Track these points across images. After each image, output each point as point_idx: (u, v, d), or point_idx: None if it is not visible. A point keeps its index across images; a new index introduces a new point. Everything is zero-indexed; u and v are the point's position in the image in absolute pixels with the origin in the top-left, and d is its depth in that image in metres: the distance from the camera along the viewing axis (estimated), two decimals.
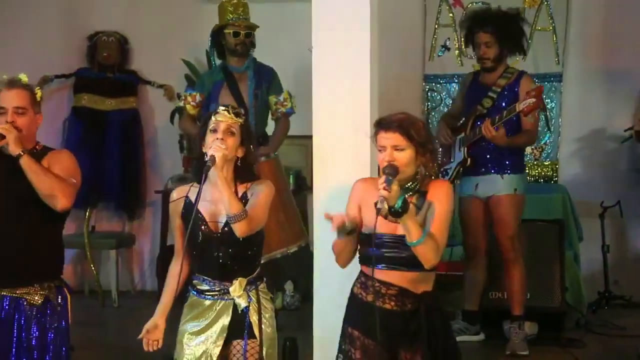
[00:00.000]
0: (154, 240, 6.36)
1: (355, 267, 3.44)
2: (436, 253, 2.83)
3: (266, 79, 5.16)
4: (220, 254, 3.05)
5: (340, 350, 3.04)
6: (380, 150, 2.91)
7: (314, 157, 4.22)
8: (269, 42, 5.48)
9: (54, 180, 3.18)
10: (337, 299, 3.97)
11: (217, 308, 3.09)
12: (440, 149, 4.97)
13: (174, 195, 3.16)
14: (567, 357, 4.61)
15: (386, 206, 2.72)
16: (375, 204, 2.73)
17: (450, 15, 6.18)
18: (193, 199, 3.04)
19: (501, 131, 4.53)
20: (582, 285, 5.36)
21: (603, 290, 5.75)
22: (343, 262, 3.08)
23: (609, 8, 6.02)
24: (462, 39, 4.98)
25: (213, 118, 3.06)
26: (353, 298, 3.03)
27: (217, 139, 3.00)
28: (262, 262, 4.72)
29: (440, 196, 2.88)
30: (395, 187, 2.73)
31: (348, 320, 3.02)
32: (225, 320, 3.07)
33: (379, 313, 2.85)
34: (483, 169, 4.71)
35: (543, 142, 6.07)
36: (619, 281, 5.90)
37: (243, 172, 3.11)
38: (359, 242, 2.97)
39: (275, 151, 5.06)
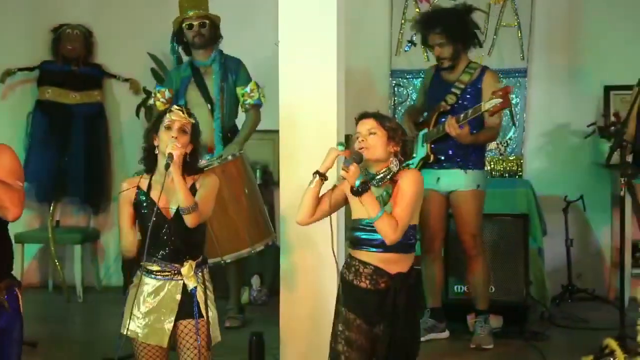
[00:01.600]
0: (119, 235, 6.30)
1: (321, 261, 3.46)
2: (394, 230, 3.10)
3: (232, 70, 5.14)
4: (172, 238, 3.30)
5: (335, 331, 3.24)
6: (357, 138, 3.21)
7: (280, 151, 4.23)
8: (235, 35, 5.46)
9: (1, 191, 3.03)
10: (303, 293, 3.99)
11: (168, 287, 3.32)
12: None
13: (125, 185, 3.44)
14: (530, 350, 4.65)
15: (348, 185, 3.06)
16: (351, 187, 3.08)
17: (417, 10, 6.19)
18: (144, 188, 3.38)
19: (465, 129, 4.55)
20: (546, 279, 5.41)
21: (566, 284, 5.82)
22: (304, 215, 3.32)
23: (573, 4, 6.09)
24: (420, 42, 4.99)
25: (168, 115, 3.36)
26: (341, 279, 3.29)
27: (173, 137, 3.31)
28: (228, 261, 4.77)
29: (408, 180, 3.18)
30: (353, 167, 3.06)
31: (339, 299, 3.27)
32: (176, 299, 3.30)
33: (356, 290, 3.17)
34: (446, 164, 4.73)
35: (508, 137, 6.11)
36: (582, 275, 5.97)
37: (191, 166, 3.39)
38: (350, 228, 3.24)
39: (243, 145, 5.05)
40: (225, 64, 5.14)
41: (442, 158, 4.72)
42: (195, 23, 5.09)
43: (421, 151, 4.81)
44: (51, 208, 6.11)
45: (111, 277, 6.42)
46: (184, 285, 3.31)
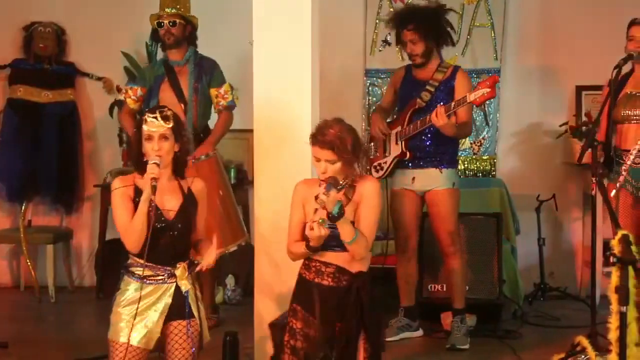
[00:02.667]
0: (93, 235, 6.27)
1: (292, 262, 3.46)
2: (366, 248, 3.26)
3: (207, 71, 5.12)
4: (172, 238, 3.30)
5: (286, 324, 3.36)
6: (316, 160, 3.29)
7: (254, 151, 4.22)
8: (210, 34, 5.45)
9: None
10: (277, 293, 3.99)
11: (160, 291, 3.31)
12: (372, 143, 4.98)
13: (119, 183, 3.34)
14: (504, 348, 4.68)
15: (325, 211, 3.14)
16: (316, 198, 3.15)
17: (391, 9, 6.19)
18: (141, 187, 3.27)
19: (453, 119, 4.57)
20: (519, 277, 5.45)
21: (539, 282, 5.88)
22: (296, 257, 3.41)
23: (545, 5, 6.14)
24: (394, 39, 5.01)
25: (145, 127, 3.29)
26: (298, 278, 3.38)
27: (154, 149, 3.26)
28: (201, 261, 4.75)
29: (370, 194, 3.29)
30: (333, 194, 3.14)
31: (293, 297, 3.37)
32: (167, 302, 3.30)
33: (318, 289, 3.25)
34: (421, 162, 4.75)
35: (481, 136, 6.15)
36: (554, 273, 6.03)
37: (180, 163, 3.39)
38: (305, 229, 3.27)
39: (215, 145, 5.03)
40: (200, 65, 5.12)
41: (418, 155, 4.74)
42: (165, 21, 5.07)
43: (395, 149, 4.82)
44: (23, 208, 6.06)
45: (84, 277, 6.37)
46: (176, 288, 3.31)
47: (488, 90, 4.42)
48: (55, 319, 5.65)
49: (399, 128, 4.81)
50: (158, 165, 3.25)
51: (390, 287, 5.41)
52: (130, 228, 3.26)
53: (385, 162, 4.86)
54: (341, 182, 3.23)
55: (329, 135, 3.26)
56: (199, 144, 5.03)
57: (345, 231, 3.19)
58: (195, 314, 3.34)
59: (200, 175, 4.66)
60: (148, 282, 3.30)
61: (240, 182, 5.98)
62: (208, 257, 3.31)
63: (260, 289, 4.19)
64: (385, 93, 5.24)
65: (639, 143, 4.34)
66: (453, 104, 4.56)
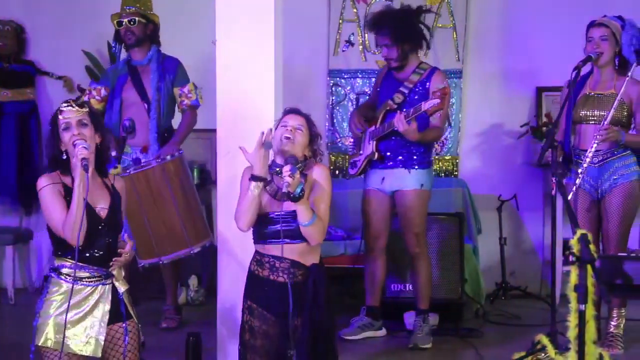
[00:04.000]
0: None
1: None
2: (323, 232, 3.29)
3: (170, 70, 5.09)
4: (108, 239, 3.21)
5: (242, 322, 3.37)
6: (282, 126, 3.33)
7: (217, 150, 4.20)
8: (173, 33, 5.41)
9: None
10: (240, 294, 3.97)
11: (98, 293, 3.20)
12: (353, 140, 5.02)
13: (46, 180, 3.19)
14: (465, 346, 4.72)
15: (288, 191, 3.13)
16: (271, 185, 3.22)
17: (354, 10, 6.23)
18: (69, 185, 3.14)
19: (413, 125, 4.57)
20: (481, 276, 5.50)
21: (500, 281, 5.93)
22: (245, 222, 3.32)
23: (506, 7, 6.20)
24: (368, 39, 5.02)
25: (61, 117, 3.16)
26: (249, 275, 3.38)
27: (75, 135, 3.12)
28: (166, 262, 4.73)
29: (322, 180, 3.33)
30: (297, 175, 3.16)
31: (246, 294, 3.38)
32: (106, 304, 3.20)
33: (273, 286, 3.26)
34: (390, 163, 4.76)
35: (444, 137, 6.18)
36: (515, 272, 6.09)
37: (102, 157, 3.25)
38: (256, 221, 3.31)
39: (179, 146, 5.00)
40: (163, 64, 5.09)
41: (388, 155, 4.76)
42: (125, 20, 5.03)
43: (367, 148, 4.84)
44: None
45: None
46: (113, 289, 3.22)
47: (438, 101, 4.46)
48: (14, 321, 5.57)
49: (373, 127, 4.83)
50: (86, 148, 3.09)
51: (352, 287, 5.43)
52: (70, 219, 3.09)
53: (359, 160, 4.88)
54: (299, 163, 3.27)
55: (302, 110, 3.40)
56: (163, 143, 5.00)
57: (303, 212, 3.20)
58: (133, 314, 3.27)
59: (166, 175, 4.66)
60: (82, 284, 3.17)
61: (203, 182, 5.95)
62: (125, 256, 3.21)
63: (223, 290, 4.17)
64: (372, 91, 5.27)
65: (595, 143, 4.40)
66: (411, 111, 4.58)
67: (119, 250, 3.25)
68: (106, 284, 3.21)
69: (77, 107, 3.17)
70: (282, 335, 3.25)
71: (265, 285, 3.29)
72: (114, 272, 3.21)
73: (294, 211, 3.25)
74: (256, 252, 3.38)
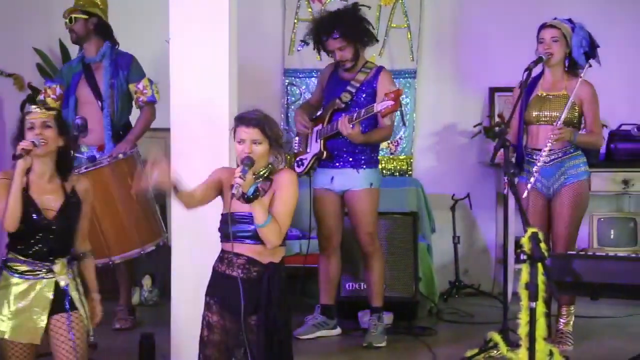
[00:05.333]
0: (1, 238, 6.08)
1: (212, 261, 3.44)
2: (278, 235, 3.26)
3: (124, 66, 5.04)
4: (51, 237, 3.38)
5: (202, 318, 3.38)
6: (239, 143, 3.29)
7: (171, 150, 4.17)
8: (127, 31, 5.35)
9: None
10: (194, 294, 3.95)
11: (40, 287, 3.38)
12: (298, 138, 5.01)
13: (2, 174, 3.43)
14: (419, 344, 4.76)
15: (240, 191, 3.14)
16: (232, 187, 3.16)
17: (309, 10, 6.23)
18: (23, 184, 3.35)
19: (357, 129, 4.60)
20: (435, 275, 5.53)
21: (454, 280, 5.98)
22: (188, 207, 3.37)
23: (460, 8, 6.25)
24: (314, 47, 5.00)
25: (27, 118, 3.40)
26: (213, 272, 3.39)
27: (37, 134, 3.34)
28: (117, 262, 4.70)
29: (285, 183, 3.31)
30: (249, 176, 3.16)
31: (208, 291, 3.38)
32: (48, 297, 3.37)
33: (229, 281, 3.27)
34: (339, 163, 4.78)
35: (398, 136, 6.22)
36: (469, 270, 6.15)
37: (64, 161, 3.47)
38: (221, 220, 3.32)
39: (134, 143, 4.96)
40: (116, 60, 5.03)
41: (335, 153, 4.77)
42: (66, 19, 4.98)
43: (315, 147, 4.84)
44: None
45: None
46: (56, 283, 3.39)
47: (392, 103, 4.48)
48: None
49: (320, 126, 4.83)
50: (35, 144, 3.30)
51: (309, 286, 5.44)
52: (7, 206, 3.29)
53: (306, 159, 4.88)
54: (261, 170, 3.26)
55: (255, 114, 3.31)
56: (118, 141, 4.95)
57: (258, 213, 3.19)
58: (80, 308, 3.42)
59: (118, 173, 4.61)
60: (26, 277, 3.36)
61: None
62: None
63: (178, 290, 4.14)
64: (315, 89, 5.26)
65: (550, 143, 4.47)
66: (359, 112, 4.59)
67: (73, 253, 3.47)
68: (48, 278, 3.38)
69: (43, 110, 3.42)
70: (239, 331, 3.25)
71: (222, 280, 3.30)
72: (55, 268, 3.38)
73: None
74: (222, 249, 3.39)
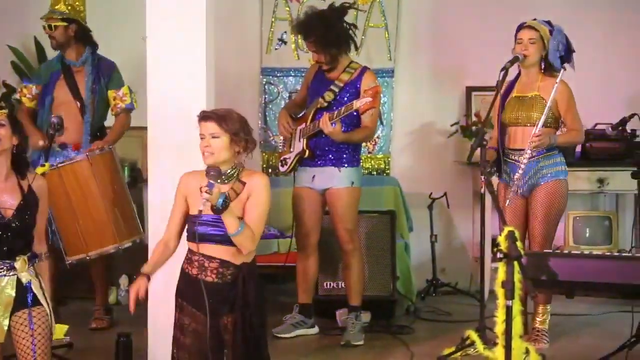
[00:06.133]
0: None
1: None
2: (252, 241, 3.26)
3: (105, 73, 5.04)
4: (8, 234, 3.38)
5: (174, 320, 3.39)
6: (201, 139, 3.30)
7: (148, 149, 4.16)
8: (106, 30, 5.33)
9: None
10: (172, 293, 3.93)
11: (1, 284, 3.39)
12: (282, 139, 5.02)
13: None
14: (397, 343, 4.77)
15: (209, 205, 3.14)
16: (201, 192, 3.15)
17: (287, 9, 6.23)
18: None
19: (337, 127, 4.61)
20: (412, 273, 5.55)
21: (431, 278, 6.01)
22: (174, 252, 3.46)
23: (437, 7, 6.27)
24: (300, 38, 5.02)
25: None
26: (181, 273, 3.39)
27: None
28: (93, 257, 4.67)
29: (259, 188, 3.30)
30: (216, 189, 3.14)
31: (178, 292, 3.39)
32: (11, 294, 3.38)
33: (203, 285, 3.23)
34: (320, 162, 4.78)
35: (376, 135, 6.22)
36: (446, 269, 6.18)
37: (20, 159, 3.48)
38: (189, 220, 3.35)
39: (110, 145, 4.94)
40: (98, 66, 5.02)
41: (318, 153, 4.77)
42: (45, 25, 4.94)
43: (298, 146, 4.84)
44: None
45: None
46: (18, 280, 3.39)
47: (370, 99, 4.49)
48: None
49: (304, 125, 4.84)
50: None
51: (286, 285, 5.44)
52: None
53: (289, 158, 4.88)
54: (228, 172, 3.27)
55: (215, 110, 3.35)
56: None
57: (229, 223, 3.19)
58: (43, 302, 3.42)
59: (95, 168, 4.59)
60: None
61: (134, 181, 5.87)
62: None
63: (154, 290, 4.11)
64: (300, 88, 5.26)
65: (529, 150, 4.46)
66: (339, 110, 4.60)
67: (34, 250, 3.50)
68: (9, 276, 3.39)
69: None
70: (212, 333, 3.24)
71: (194, 283, 3.27)
72: (16, 265, 3.39)
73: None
74: (188, 249, 3.37)
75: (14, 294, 3.39)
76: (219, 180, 3.19)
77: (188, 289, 3.32)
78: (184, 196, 3.35)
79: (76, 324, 4.60)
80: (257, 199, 3.29)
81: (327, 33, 4.71)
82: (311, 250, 4.88)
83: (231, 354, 3.26)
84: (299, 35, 4.85)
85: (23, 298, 3.39)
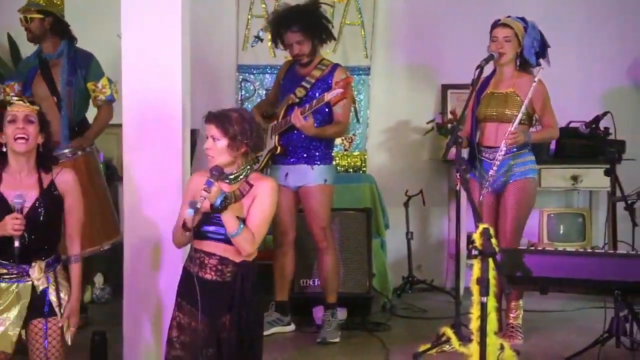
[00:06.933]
0: None
1: (165, 259, 3.42)
2: (252, 244, 3.26)
3: (82, 65, 4.99)
4: (25, 235, 3.19)
5: (172, 318, 3.36)
6: (206, 138, 3.31)
7: (123, 146, 4.13)
8: (84, 27, 5.28)
9: None
10: (147, 291, 3.93)
11: (16, 290, 3.25)
12: None
13: None
14: (373, 340, 4.78)
15: (206, 203, 3.16)
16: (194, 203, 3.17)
17: (263, 6, 6.23)
18: None
19: (310, 121, 4.61)
20: (388, 271, 5.58)
21: (407, 275, 6.03)
22: (177, 243, 3.42)
23: (413, 5, 6.29)
24: (271, 39, 5.00)
25: (9, 108, 3.25)
26: (183, 272, 3.38)
27: (18, 128, 3.22)
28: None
29: (266, 192, 3.32)
30: (215, 188, 3.15)
31: (178, 291, 3.37)
32: (25, 301, 3.24)
33: (201, 283, 3.22)
34: (293, 159, 4.79)
35: (352, 133, 6.25)
36: (422, 266, 6.21)
37: (45, 158, 3.36)
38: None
39: (92, 140, 4.91)
40: (75, 58, 4.98)
41: (290, 149, 4.77)
42: (22, 17, 4.90)
43: (270, 143, 4.84)
44: None
45: None
46: (33, 287, 3.26)
47: (341, 90, 4.50)
48: None
49: (275, 122, 4.84)
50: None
51: (261, 283, 5.42)
52: None
53: (261, 155, 4.88)
54: (234, 173, 3.27)
55: (220, 111, 3.32)
56: (73, 139, 4.89)
57: (228, 223, 3.20)
58: (58, 314, 3.29)
59: (76, 170, 4.55)
60: (2, 280, 3.24)
61: (110, 178, 5.82)
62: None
63: (130, 288, 4.10)
64: (272, 86, 5.26)
65: (504, 148, 4.49)
66: (311, 104, 4.60)
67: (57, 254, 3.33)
68: (25, 282, 3.26)
69: (27, 104, 3.30)
70: (211, 332, 3.24)
71: (193, 281, 3.25)
72: (32, 273, 3.24)
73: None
74: (191, 248, 3.36)
75: (27, 302, 3.26)
76: (219, 180, 3.20)
77: (187, 286, 3.30)
78: (192, 194, 3.33)
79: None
80: (261, 202, 3.30)
81: (313, 21, 4.74)
82: (288, 248, 4.88)
83: (226, 352, 3.26)
84: (281, 28, 4.79)
85: (39, 306, 3.27)
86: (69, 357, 4.14)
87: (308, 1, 4.92)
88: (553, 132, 4.78)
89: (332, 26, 4.98)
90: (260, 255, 5.09)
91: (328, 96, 4.54)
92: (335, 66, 4.84)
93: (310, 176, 4.76)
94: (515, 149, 4.57)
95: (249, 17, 6.25)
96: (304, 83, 4.78)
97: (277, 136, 4.79)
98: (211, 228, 3.27)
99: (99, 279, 5.70)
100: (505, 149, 4.49)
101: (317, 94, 4.74)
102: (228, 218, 3.20)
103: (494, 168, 4.51)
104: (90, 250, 4.61)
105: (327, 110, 4.70)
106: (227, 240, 3.26)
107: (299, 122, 4.58)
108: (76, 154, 4.60)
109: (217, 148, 3.26)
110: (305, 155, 4.76)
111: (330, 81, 4.76)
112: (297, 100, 4.76)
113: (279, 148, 4.77)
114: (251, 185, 3.31)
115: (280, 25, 4.81)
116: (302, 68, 4.83)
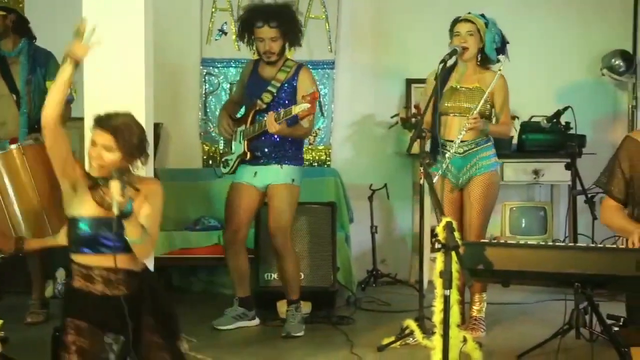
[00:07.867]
0: None
1: None
2: (153, 247, 3.28)
3: (42, 63, 4.95)
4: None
5: (65, 344, 3.15)
6: (92, 144, 3.22)
7: (85, 140, 4.09)
8: (44, 22, 5.22)
9: None
10: None
11: None
12: (222, 139, 5.01)
13: None
14: (337, 333, 4.79)
15: (116, 210, 3.06)
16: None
17: (229, 0, 6.21)
18: None
19: (283, 125, 4.60)
20: (353, 264, 5.60)
21: (371, 269, 6.06)
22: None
23: (378, 0, 6.32)
24: (237, 33, 4.97)
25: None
26: (72, 293, 3.23)
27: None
28: (36, 249, 4.56)
29: (155, 194, 3.28)
30: (126, 193, 3.06)
31: (71, 312, 3.17)
32: None
33: (110, 302, 3.14)
34: (263, 160, 4.78)
35: (317, 127, 6.25)
36: (386, 260, 6.24)
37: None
38: (71, 226, 3.29)
39: None
40: (34, 57, 4.92)
41: (259, 155, 4.77)
42: None
43: (239, 148, 4.82)
44: None
45: None
46: None
47: (308, 106, 4.49)
48: None
49: (244, 127, 4.82)
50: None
51: (226, 278, 5.41)
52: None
53: (231, 159, 4.86)
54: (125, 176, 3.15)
55: (116, 121, 3.20)
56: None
57: (133, 229, 3.12)
58: None
59: (30, 159, 4.48)
60: None
61: None
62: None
63: None
64: (236, 87, 5.24)
65: (463, 132, 4.56)
66: (279, 114, 4.59)
67: None
68: None
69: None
70: (103, 350, 3.10)
71: (101, 301, 3.15)
72: None
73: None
74: (78, 265, 3.23)
75: None
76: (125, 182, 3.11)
77: (74, 303, 3.18)
78: (78, 170, 3.32)
79: (12, 319, 4.51)
80: (153, 204, 3.22)
81: (290, 21, 4.74)
82: (239, 246, 4.84)
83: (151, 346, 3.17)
84: (257, 21, 4.73)
85: None
86: (28, 354, 4.11)
87: (285, 2, 4.91)
88: (508, 130, 4.87)
89: (302, 35, 4.94)
90: (223, 249, 5.15)
91: (296, 109, 4.52)
92: (300, 67, 4.82)
93: (278, 175, 4.75)
94: (484, 142, 4.63)
95: (213, 10, 6.22)
96: (270, 88, 4.76)
97: (246, 141, 4.77)
98: (92, 234, 3.18)
99: (60, 274, 5.64)
100: (464, 132, 4.53)
101: (283, 95, 4.73)
102: (134, 224, 3.10)
103: (452, 150, 4.55)
104: (50, 243, 4.55)
105: (295, 116, 4.70)
106: (124, 250, 3.16)
107: (275, 128, 4.57)
108: (27, 143, 4.55)
109: (109, 159, 3.17)
110: (275, 155, 4.76)
111: (295, 83, 4.75)
112: (265, 106, 4.75)
113: (248, 154, 4.76)
114: (137, 189, 3.21)
115: (257, 18, 4.75)
116: (267, 69, 4.80)
